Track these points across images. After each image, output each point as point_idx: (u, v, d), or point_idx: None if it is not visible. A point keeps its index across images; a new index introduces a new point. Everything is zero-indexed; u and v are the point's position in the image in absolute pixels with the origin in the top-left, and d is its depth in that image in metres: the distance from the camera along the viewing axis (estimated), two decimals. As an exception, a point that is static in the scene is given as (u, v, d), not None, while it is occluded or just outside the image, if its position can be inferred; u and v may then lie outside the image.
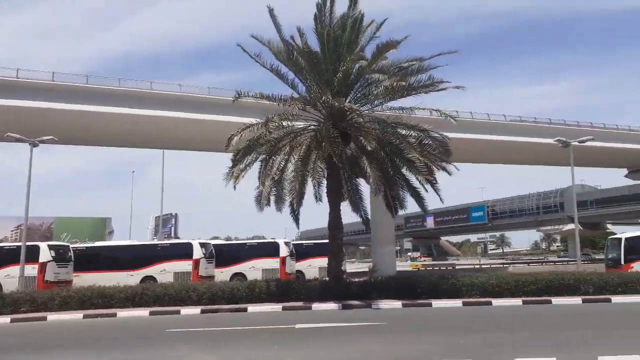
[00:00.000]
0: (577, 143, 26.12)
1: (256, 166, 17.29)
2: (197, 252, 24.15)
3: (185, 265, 23.69)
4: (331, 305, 15.15)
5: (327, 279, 18.20)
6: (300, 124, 17.88)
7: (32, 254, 21.42)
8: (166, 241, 33.57)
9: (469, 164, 40.26)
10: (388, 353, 7.93)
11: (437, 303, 14.91)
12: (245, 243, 30.82)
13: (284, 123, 16.99)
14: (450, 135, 18.05)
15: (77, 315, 15.05)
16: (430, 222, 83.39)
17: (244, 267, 25.87)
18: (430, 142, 16.85)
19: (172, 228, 53.01)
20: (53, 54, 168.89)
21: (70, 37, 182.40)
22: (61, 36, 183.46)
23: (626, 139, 40.82)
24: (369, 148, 15.31)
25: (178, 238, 41.52)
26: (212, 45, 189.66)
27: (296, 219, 18.14)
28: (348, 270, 26.53)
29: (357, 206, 18.55)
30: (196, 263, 23.80)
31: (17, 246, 21.87)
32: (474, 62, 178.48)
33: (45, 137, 21.00)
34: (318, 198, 18.09)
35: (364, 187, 17.76)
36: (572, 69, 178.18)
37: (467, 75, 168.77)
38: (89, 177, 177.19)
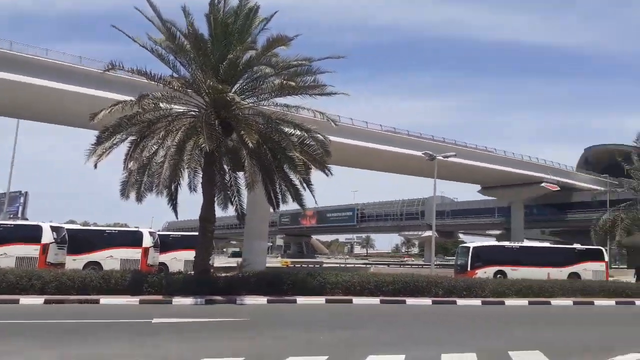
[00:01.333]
0: (441, 157, 28.53)
1: (124, 149, 16.08)
2: (47, 236, 21.72)
3: (31, 250, 21.17)
4: (194, 300, 14.61)
5: (193, 272, 17.56)
6: (179, 108, 17.03)
7: None
8: (10, 221, 29.81)
9: (344, 167, 41.97)
10: (244, 348, 7.80)
11: (302, 300, 15.15)
12: (105, 230, 28.48)
13: (162, 104, 16.06)
14: (331, 138, 18.50)
15: None
16: (304, 220, 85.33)
17: (100, 256, 23.87)
18: (311, 142, 17.09)
19: (20, 207, 47.39)
20: None
21: None
22: None
23: (483, 158, 45.72)
24: (251, 145, 15.05)
25: (26, 219, 37.13)
26: (90, 12, 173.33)
27: (174, 208, 17.31)
28: (217, 265, 25.93)
29: (230, 199, 18.21)
30: (44, 248, 21.39)
31: None
32: (358, 71, 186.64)
33: None
34: (192, 188, 17.41)
35: (243, 181, 17.46)
36: (445, 89, 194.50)
37: (351, 83, 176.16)
38: None
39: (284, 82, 16.30)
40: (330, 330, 10.23)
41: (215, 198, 17.60)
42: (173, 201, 17.31)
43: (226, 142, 16.87)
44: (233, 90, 16.84)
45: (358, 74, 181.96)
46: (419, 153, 30.26)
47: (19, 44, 25.16)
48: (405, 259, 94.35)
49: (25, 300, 13.72)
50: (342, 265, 50.76)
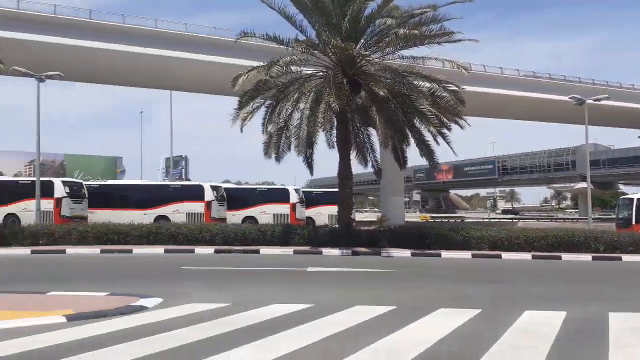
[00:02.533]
0: (591, 101, 25.52)
1: (262, 112, 17.16)
2: (209, 195, 24.47)
3: (197, 207, 24.06)
4: (341, 251, 15.44)
5: (337, 226, 18.47)
6: (308, 70, 17.55)
7: (47, 189, 21.82)
8: (178, 182, 33.94)
9: (480, 118, 39.77)
10: (394, 298, 8.13)
11: (446, 254, 15.13)
12: (256, 188, 31.12)
13: (292, 68, 16.66)
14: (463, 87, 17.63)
15: (94, 250, 15.52)
16: (439, 175, 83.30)
17: (255, 211, 26.24)
18: (443, 93, 16.51)
19: (183, 170, 53.51)
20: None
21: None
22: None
23: (641, 99, 39.82)
24: (381, 94, 15.03)
25: (189, 180, 41.94)
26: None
27: (309, 166, 18.19)
28: (357, 219, 26.83)
29: (365, 157, 18.55)
30: (208, 205, 24.16)
31: (32, 181, 22.25)
32: (485, 14, 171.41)
33: (51, 72, 20.76)
34: (330, 145, 18.05)
35: (377, 137, 17.61)
36: (581, 25, 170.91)
37: (479, 29, 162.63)
38: (99, 115, 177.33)
39: (408, 32, 15.84)
40: (480, 284, 10.16)
41: (351, 155, 18.08)
42: (308, 160, 18.05)
43: (355, 100, 17.05)
44: (358, 46, 16.83)
45: (485, 17, 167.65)
46: (565, 98, 27.32)
47: (161, 21, 27.59)
48: (559, 213, 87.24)
49: (199, 249, 15.79)
50: (485, 220, 48.96)
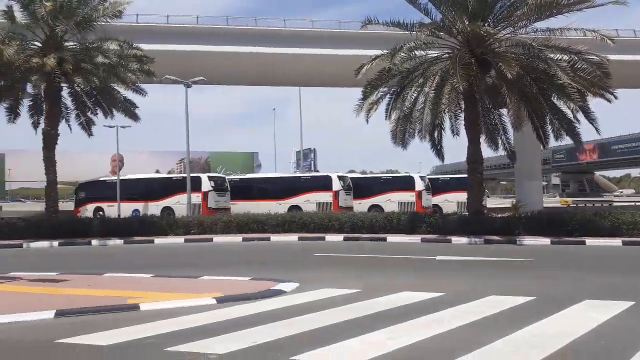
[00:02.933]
0: None
1: (387, 100, 17.16)
2: (336, 184, 25.27)
3: (326, 196, 25.01)
4: (471, 239, 14.96)
5: (467, 213, 17.88)
6: (433, 53, 17.11)
7: (196, 184, 24.30)
8: (308, 174, 35.44)
9: (629, 90, 35.16)
10: (533, 288, 7.70)
11: (591, 241, 13.87)
12: (381, 177, 31.33)
13: (416, 52, 16.37)
14: (609, 57, 15.81)
15: (237, 238, 16.97)
16: (582, 155, 75.66)
17: (380, 200, 26.45)
18: (584, 65, 15.00)
19: (312, 162, 55.56)
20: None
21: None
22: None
23: None
24: (509, 76, 14.17)
25: (317, 171, 43.52)
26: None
27: (438, 152, 17.80)
28: (488, 206, 25.66)
29: (495, 139, 17.65)
30: (336, 194, 24.97)
31: (183, 177, 24.92)
32: None
33: (196, 78, 22.93)
34: (455, 132, 17.49)
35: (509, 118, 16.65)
36: None
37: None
38: (238, 114, 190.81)
39: (542, 1, 14.62)
40: (633, 274, 9.20)
41: (481, 139, 17.32)
42: (437, 146, 17.67)
43: (484, 80, 16.27)
44: (486, 24, 16.00)
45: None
46: None
47: (290, 20, 28.98)
48: None
49: (329, 237, 16.43)
50: (638, 204, 43.52)
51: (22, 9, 17.08)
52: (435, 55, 17.03)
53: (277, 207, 23.73)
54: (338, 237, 16.36)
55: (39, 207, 26.88)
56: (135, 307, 6.42)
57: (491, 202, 43.91)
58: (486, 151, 17.76)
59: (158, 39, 26.21)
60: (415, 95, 16.74)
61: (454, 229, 16.04)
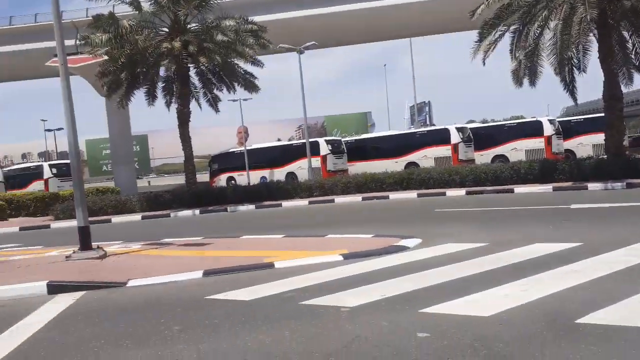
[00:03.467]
0: None
1: (507, 40, 15.93)
2: (455, 137, 24.37)
3: (444, 151, 24.30)
4: (610, 185, 13.64)
5: (604, 156, 16.25)
6: None
7: (315, 149, 25.14)
8: (424, 129, 34.63)
9: None
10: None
11: None
12: (504, 124, 29.48)
13: None
14: None
15: (357, 198, 17.35)
16: None
17: (504, 149, 25.02)
18: None
19: (427, 115, 54.08)
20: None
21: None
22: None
23: None
24: None
25: (434, 125, 42.26)
26: None
27: (571, 92, 16.25)
28: (630, 147, 23.02)
29: (629, 74, 15.65)
30: (455, 147, 24.13)
31: (302, 143, 25.88)
32: None
33: (308, 44, 23.29)
34: (581, 69, 15.78)
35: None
36: None
37: None
38: (349, 74, 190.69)
39: None
40: None
41: (618, 72, 15.45)
42: (569, 85, 16.10)
43: (621, 3, 14.31)
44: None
45: None
46: None
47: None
48: None
49: (450, 192, 16.06)
50: None
51: (147, -1, 18.59)
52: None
53: (394, 165, 23.65)
54: (460, 192, 15.92)
55: (179, 180, 29.88)
56: (271, 265, 6.98)
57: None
58: (624, 87, 15.85)
59: (269, 9, 26.98)
60: (539, 31, 15.38)
61: (590, 175, 14.76)
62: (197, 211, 17.77)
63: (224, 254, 8.17)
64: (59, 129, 49.18)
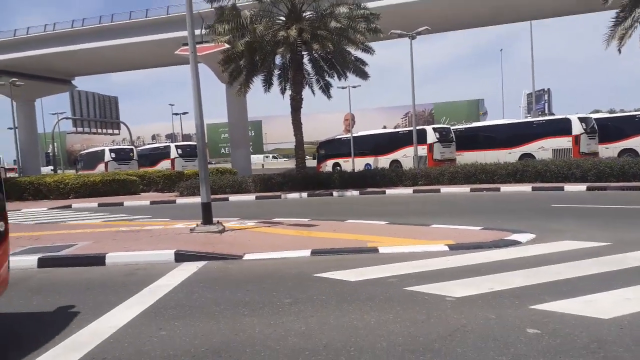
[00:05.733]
0: None
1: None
2: (577, 128, 22.54)
3: (564, 142, 22.60)
4: None
5: None
6: None
7: (421, 137, 24.70)
8: (541, 118, 32.38)
9: None
10: None
11: None
12: (635, 115, 26.53)
13: None
14: None
15: (464, 189, 16.82)
16: None
17: (634, 143, 22.65)
18: None
19: (545, 104, 50.34)
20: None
21: None
22: None
23: None
24: None
25: (553, 114, 39.25)
26: None
27: None
28: None
29: None
30: (576, 139, 22.34)
31: (409, 130, 25.56)
32: None
33: (420, 29, 22.81)
34: None
35: None
36: None
37: None
38: (460, 61, 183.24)
39: None
40: None
41: None
42: None
43: None
44: None
45: None
46: None
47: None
48: None
49: (569, 187, 14.96)
50: None
51: (267, -12, 19.40)
52: None
53: (507, 156, 22.51)
54: (580, 187, 14.76)
55: (289, 164, 31.14)
56: (375, 250, 7.12)
57: None
58: None
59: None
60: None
61: None
62: (305, 194, 18.44)
63: (330, 235, 8.47)
64: (184, 113, 53.52)
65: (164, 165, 30.91)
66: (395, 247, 7.25)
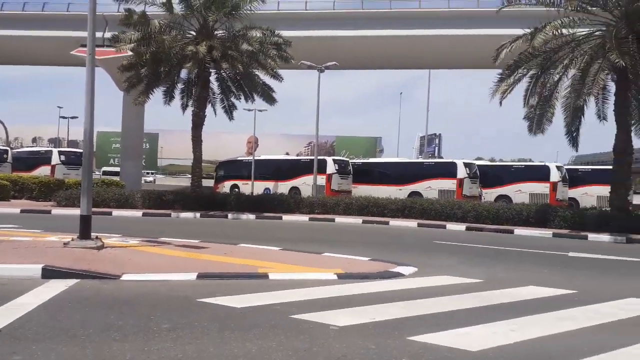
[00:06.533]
0: None
1: (524, 84, 16.14)
2: (461, 172, 24.45)
3: (449, 184, 24.36)
4: (612, 238, 13.65)
5: (608, 209, 16.28)
6: (582, 31, 15.63)
7: (321, 167, 25.25)
8: (431, 160, 34.76)
9: None
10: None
11: None
12: (512, 165, 29.62)
13: (564, 30, 15.11)
14: None
15: (357, 220, 17.38)
16: None
17: (509, 190, 25.11)
18: None
19: (436, 148, 54.23)
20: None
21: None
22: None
23: None
24: None
25: (441, 157, 42.40)
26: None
27: (573, 141, 16.43)
28: (635, 203, 22.99)
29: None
30: (460, 182, 24.19)
31: (310, 159, 26.04)
32: None
33: (329, 63, 23.59)
34: (602, 117, 15.94)
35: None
36: None
37: None
38: (364, 98, 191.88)
39: None
40: None
41: (632, 127, 15.59)
42: (572, 132, 16.24)
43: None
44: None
45: None
46: None
47: (427, 1, 28.25)
48: None
49: (450, 225, 16.08)
50: None
51: (180, 1, 18.92)
52: (585, 33, 15.60)
53: (397, 192, 23.74)
54: (460, 227, 15.94)
55: (183, 182, 30.05)
56: (265, 275, 7.01)
57: (638, 199, 39.08)
58: (637, 141, 16.02)
59: (297, 26, 27.39)
60: (557, 77, 15.60)
61: (591, 226, 14.78)
62: (198, 214, 17.84)
63: (219, 259, 8.21)
64: (73, 117, 49.70)
65: (42, 171, 28.17)
66: (286, 273, 7.20)
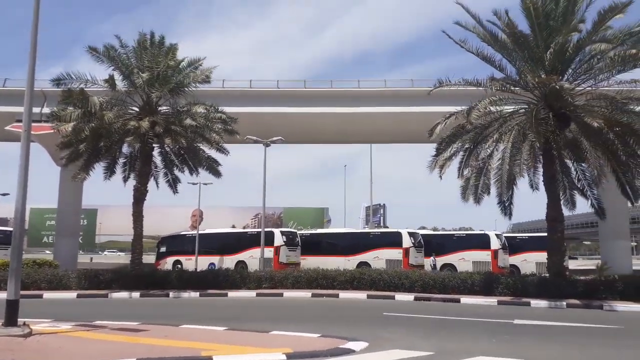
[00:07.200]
0: None
1: (460, 157, 17.08)
2: (407, 241, 24.84)
3: (395, 253, 24.60)
4: (553, 303, 14.07)
5: (546, 275, 16.92)
6: (509, 108, 16.97)
7: (269, 239, 24.89)
8: (377, 230, 35.21)
9: None
10: (623, 359, 7.10)
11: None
12: (454, 234, 30.40)
13: (492, 108, 16.32)
14: None
15: (307, 294, 17.04)
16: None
17: (453, 258, 25.64)
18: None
19: (381, 217, 55.22)
20: (274, 64, 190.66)
21: (287, 46, 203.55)
22: (280, 47, 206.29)
23: None
24: (595, 125, 13.87)
25: (387, 227, 43.14)
26: (413, 39, 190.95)
27: (505, 210, 17.27)
28: (570, 267, 24.05)
29: (573, 198, 16.97)
30: (406, 252, 24.50)
31: (257, 232, 25.67)
32: None
33: (275, 138, 24.04)
34: (534, 187, 16.95)
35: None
36: None
37: None
38: (310, 170, 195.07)
39: (625, 52, 14.29)
40: None
41: (561, 196, 16.63)
42: (505, 203, 17.10)
43: (564, 135, 15.86)
44: (565, 77, 15.86)
45: None
46: None
47: (364, 81, 30.18)
48: None
49: (399, 296, 16.08)
50: None
51: (123, 79, 19.00)
52: (512, 110, 16.90)
53: (346, 263, 23.67)
54: (408, 297, 15.97)
55: (122, 259, 28.59)
56: (209, 359, 6.64)
57: (574, 264, 41.04)
58: (567, 210, 17.00)
59: (241, 102, 28.10)
60: (489, 150, 16.59)
61: (532, 292, 15.23)
62: (137, 294, 16.90)
63: (159, 342, 7.73)
64: (4, 194, 47.00)
65: (-35, 251, 26.05)
66: (232, 356, 6.87)
